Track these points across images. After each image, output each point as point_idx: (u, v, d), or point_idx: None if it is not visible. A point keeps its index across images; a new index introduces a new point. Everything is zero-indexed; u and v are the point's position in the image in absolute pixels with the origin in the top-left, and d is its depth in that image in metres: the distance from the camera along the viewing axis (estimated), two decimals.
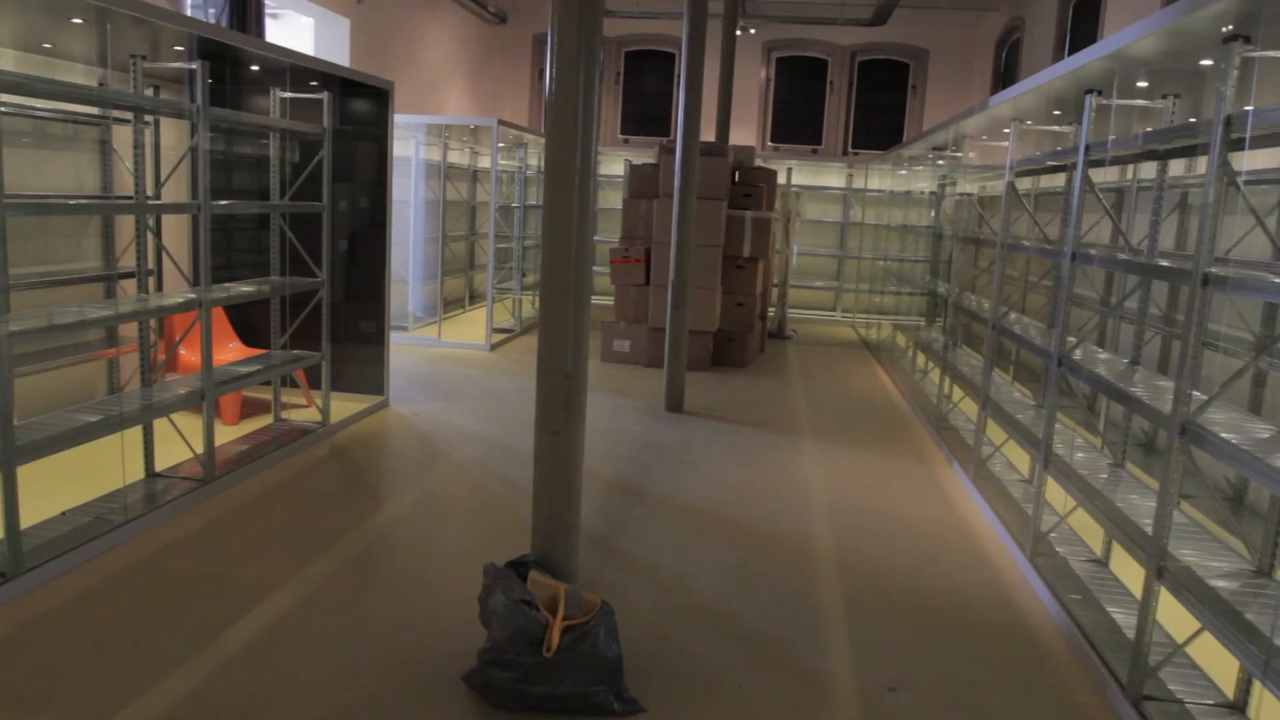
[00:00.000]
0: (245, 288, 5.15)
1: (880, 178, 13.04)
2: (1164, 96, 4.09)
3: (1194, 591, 2.88)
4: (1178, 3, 2.99)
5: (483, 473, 5.33)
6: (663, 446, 6.13)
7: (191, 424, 5.21)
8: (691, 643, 3.42)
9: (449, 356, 8.89)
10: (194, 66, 4.31)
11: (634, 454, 5.91)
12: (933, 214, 10.64)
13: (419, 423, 6.34)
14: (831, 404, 7.75)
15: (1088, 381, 3.97)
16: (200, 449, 4.70)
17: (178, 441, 4.85)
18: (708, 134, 14.06)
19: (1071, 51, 9.83)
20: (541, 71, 14.44)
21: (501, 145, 10.74)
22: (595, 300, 13.59)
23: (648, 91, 14.34)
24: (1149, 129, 4.28)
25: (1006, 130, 6.90)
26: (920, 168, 10.32)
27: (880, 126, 14.20)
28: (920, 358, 8.58)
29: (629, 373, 8.61)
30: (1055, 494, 4.34)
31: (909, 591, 4.04)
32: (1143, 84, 4.14)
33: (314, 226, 5.75)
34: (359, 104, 6.40)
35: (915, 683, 3.27)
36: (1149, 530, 3.33)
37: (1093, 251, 4.20)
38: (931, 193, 10.41)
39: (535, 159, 11.88)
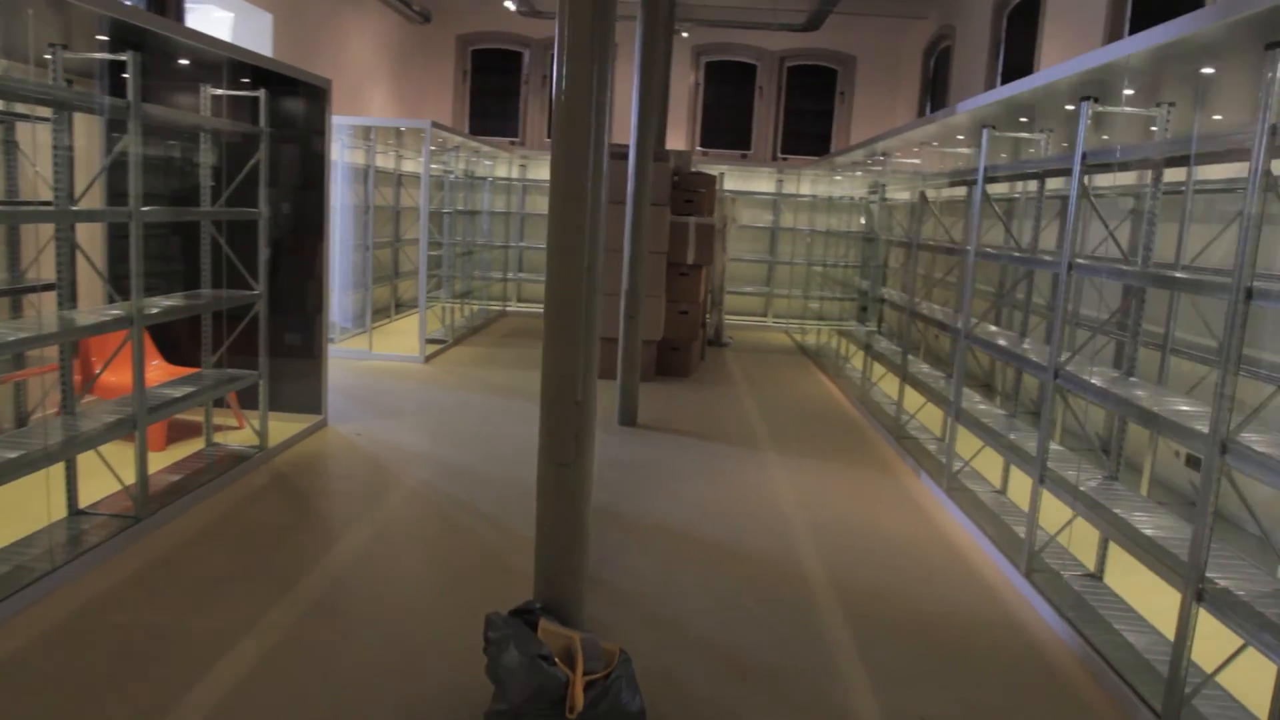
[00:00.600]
0: (175, 302, 4.70)
1: (812, 183, 13.03)
2: (1158, 105, 4.03)
3: (1237, 612, 2.76)
4: (1202, 10, 2.90)
5: (440, 498, 4.97)
6: (624, 463, 5.86)
7: (116, 452, 4.72)
8: (705, 685, 3.17)
9: (382, 370, 8.45)
10: (124, 57, 3.88)
11: (596, 472, 5.62)
12: (862, 220, 10.67)
13: (362, 444, 5.94)
14: (784, 413, 7.60)
15: (1097, 398, 3.86)
16: (129, 480, 4.24)
17: (102, 473, 4.37)
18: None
19: (1007, 60, 9.94)
20: (466, 73, 14.03)
21: (432, 149, 10.33)
22: (529, 309, 13.23)
23: None
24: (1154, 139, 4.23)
25: (961, 137, 6.87)
26: (858, 173, 10.30)
27: (809, 132, 14.20)
28: (866, 365, 8.50)
29: None
30: (1042, 507, 4.23)
31: (911, 616, 3.86)
32: (1129, 91, 4.08)
33: (247, 234, 5.31)
34: (294, 103, 5.97)
35: (943, 716, 3.08)
36: (1163, 547, 3.22)
37: (1081, 261, 4.10)
38: (864, 198, 10.40)
39: (464, 163, 11.48)
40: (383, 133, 9.85)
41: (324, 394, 6.29)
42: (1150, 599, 4.02)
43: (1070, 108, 4.66)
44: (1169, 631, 3.68)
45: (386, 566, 4.03)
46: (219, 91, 5.09)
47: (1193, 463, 5.04)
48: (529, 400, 7.48)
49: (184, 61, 4.98)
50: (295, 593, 3.69)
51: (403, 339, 10.12)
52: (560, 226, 2.90)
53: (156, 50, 4.41)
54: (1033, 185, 6.03)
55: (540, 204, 13.71)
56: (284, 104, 5.85)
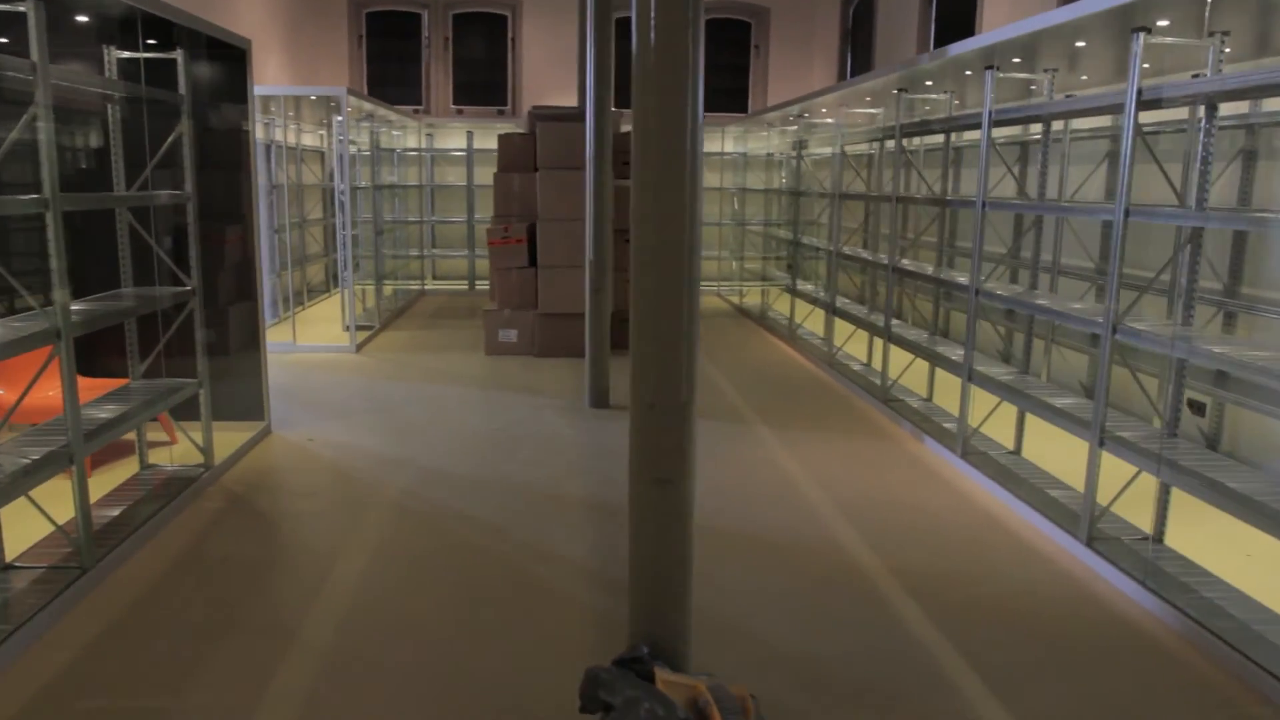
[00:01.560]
0: (98, 306, 3.96)
1: (735, 141, 12.64)
2: (1211, 34, 3.73)
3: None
4: None
5: (426, 509, 4.40)
6: (614, 450, 5.37)
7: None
8: (821, 714, 2.74)
9: (313, 363, 7.70)
10: (23, 8, 3.13)
11: (586, 463, 5.12)
12: (783, 177, 10.37)
13: (318, 450, 5.28)
14: (756, 383, 7.22)
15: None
16: (61, 517, 3.54)
17: (26, 514, 3.64)
18: (559, 99, 13.22)
19: (942, 10, 9.69)
20: (361, 37, 13.06)
21: (339, 119, 9.51)
22: (447, 286, 12.50)
23: (477, 58, 13.27)
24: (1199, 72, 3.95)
25: (929, 83, 6.55)
26: (794, 128, 9.94)
27: (724, 88, 13.79)
28: (829, 327, 8.18)
29: (523, 365, 7.75)
30: (1056, 461, 3.94)
31: (989, 601, 3.52)
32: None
33: (166, 221, 4.58)
34: (210, 68, 5.19)
35: (1083, 717, 2.74)
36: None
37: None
38: (801, 153, 10.08)
39: (367, 135, 10.65)
40: (283, 104, 8.97)
41: (266, 397, 5.59)
42: (1218, 557, 3.79)
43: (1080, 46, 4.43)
44: (1255, 591, 3.45)
45: (396, 602, 3.46)
46: (127, 54, 4.32)
47: (1197, 409, 4.87)
48: (479, 387, 6.88)
49: (81, 18, 4.20)
50: (296, 648, 3.09)
51: (325, 327, 9.33)
52: (658, 201, 2.38)
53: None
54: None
55: (451, 175, 12.94)
56: (198, 69, 5.07)
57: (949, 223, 7.32)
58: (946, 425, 5.77)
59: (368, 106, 9.15)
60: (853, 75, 12.27)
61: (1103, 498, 4.01)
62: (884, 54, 10.87)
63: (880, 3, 11.07)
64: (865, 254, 7.42)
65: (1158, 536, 4.00)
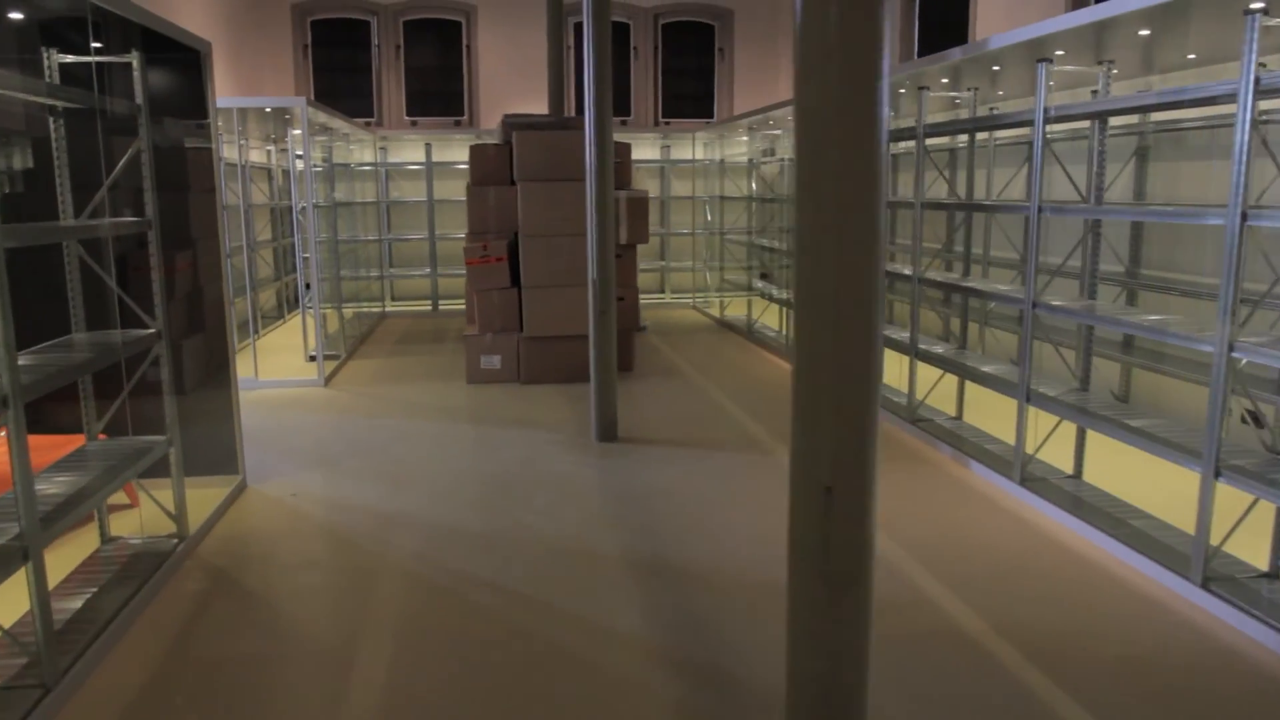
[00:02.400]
0: (49, 359, 3.32)
1: (706, 147, 12.19)
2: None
3: None
4: None
5: (451, 578, 3.81)
6: (635, 494, 4.82)
7: None
8: None
9: (280, 401, 7.02)
10: None
11: (611, 509, 4.57)
12: (754, 182, 9.95)
13: (305, 507, 4.65)
14: (763, 405, 6.73)
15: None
16: (9, 612, 2.90)
17: None
18: (519, 107, 12.64)
19: (926, 3, 9.34)
20: (306, 47, 12.33)
21: (296, 133, 8.83)
22: (409, 308, 11.81)
23: (431, 66, 12.64)
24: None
25: (953, 91, 6.14)
26: (776, 132, 9.51)
27: (690, 93, 13.34)
28: None
29: (511, 394, 7.16)
30: (1120, 484, 3.52)
31: (1123, 665, 3.06)
32: None
33: (124, 252, 3.93)
34: (166, 74, 4.54)
35: None
36: None
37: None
38: (762, 160, 9.66)
39: (320, 150, 9.96)
40: (233, 119, 8.27)
41: (240, 448, 4.94)
42: None
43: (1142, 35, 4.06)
44: None
45: (445, 711, 2.87)
46: (71, 59, 3.68)
47: (1256, 420, 4.50)
48: (469, 421, 6.27)
49: (15, 16, 3.55)
50: None
51: (286, 358, 8.62)
52: (838, 231, 1.86)
53: None
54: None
55: (408, 190, 12.28)
56: (154, 76, 4.42)
57: (969, 228, 6.92)
58: (989, 447, 5.34)
59: (335, 122, 8.49)
60: None
61: (1184, 520, 3.59)
62: None
63: None
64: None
65: (1274, 571, 3.59)
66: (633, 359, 8.03)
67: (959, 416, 6.02)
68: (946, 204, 5.87)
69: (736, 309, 11.04)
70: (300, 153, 7.72)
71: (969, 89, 5.93)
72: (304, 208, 8.04)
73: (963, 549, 4.06)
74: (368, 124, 12.47)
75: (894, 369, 6.91)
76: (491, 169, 7.96)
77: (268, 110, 7.50)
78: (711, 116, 13.31)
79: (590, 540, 4.18)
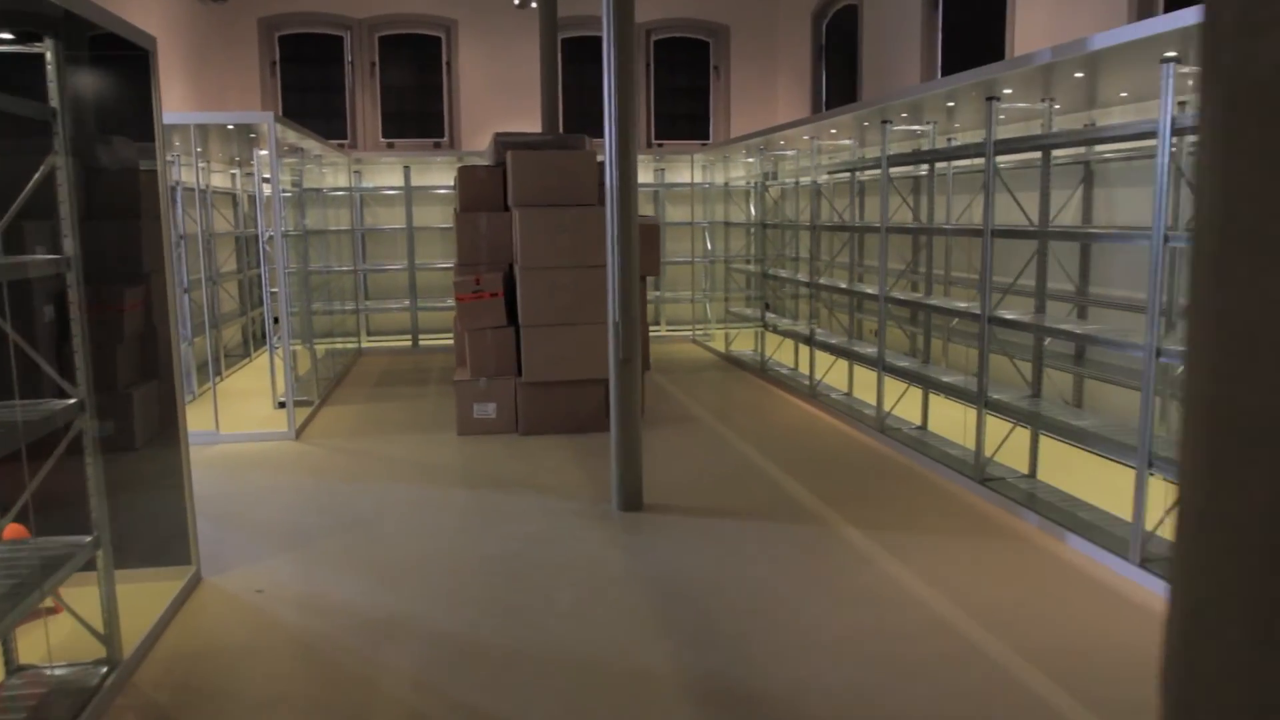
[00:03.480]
0: None
1: (704, 170, 11.45)
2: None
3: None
4: None
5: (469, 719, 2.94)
6: (680, 585, 3.98)
7: None
8: None
9: (245, 459, 6.11)
10: None
11: (655, 608, 3.73)
12: (756, 206, 9.21)
13: (274, 608, 3.76)
14: (800, 460, 5.92)
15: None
16: None
17: None
18: (503, 128, 11.86)
19: (950, 18, 8.66)
20: (274, 64, 11.48)
21: (264, 154, 7.97)
22: (387, 344, 10.91)
23: (408, 85, 11.83)
24: None
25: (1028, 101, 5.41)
26: (791, 152, 8.78)
27: (684, 112, 12.63)
28: (881, 388, 6.98)
29: (509, 449, 6.30)
30: None
31: None
32: None
33: (24, 294, 3.07)
34: (100, 77, 3.68)
35: None
36: None
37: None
38: (764, 183, 8.94)
39: (289, 173, 9.10)
40: (192, 137, 7.39)
41: (193, 535, 4.05)
42: None
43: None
44: None
45: None
46: None
47: None
48: (465, 485, 5.40)
49: None
50: None
51: (251, 406, 7.70)
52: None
53: None
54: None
55: (384, 217, 11.41)
56: (81, 76, 3.56)
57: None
58: (1085, 516, 4.56)
59: (295, 137, 7.63)
60: (830, 96, 11.24)
61: None
62: (875, 73, 9.82)
63: (867, 15, 10.02)
64: (898, 294, 6.25)
65: None
66: (643, 404, 7.20)
67: (1032, 474, 5.24)
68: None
69: (743, 343, 10.25)
70: (268, 175, 6.86)
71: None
72: (272, 236, 7.17)
73: (1099, 662, 3.25)
74: (341, 146, 11.61)
75: (945, 414, 6.16)
76: (482, 193, 7.14)
77: (230, 127, 6.64)
78: (707, 138, 12.59)
79: (634, 656, 3.33)
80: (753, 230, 10.32)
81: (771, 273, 8.73)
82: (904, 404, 6.62)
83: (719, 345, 10.47)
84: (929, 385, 5.83)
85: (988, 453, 5.22)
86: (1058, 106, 5.42)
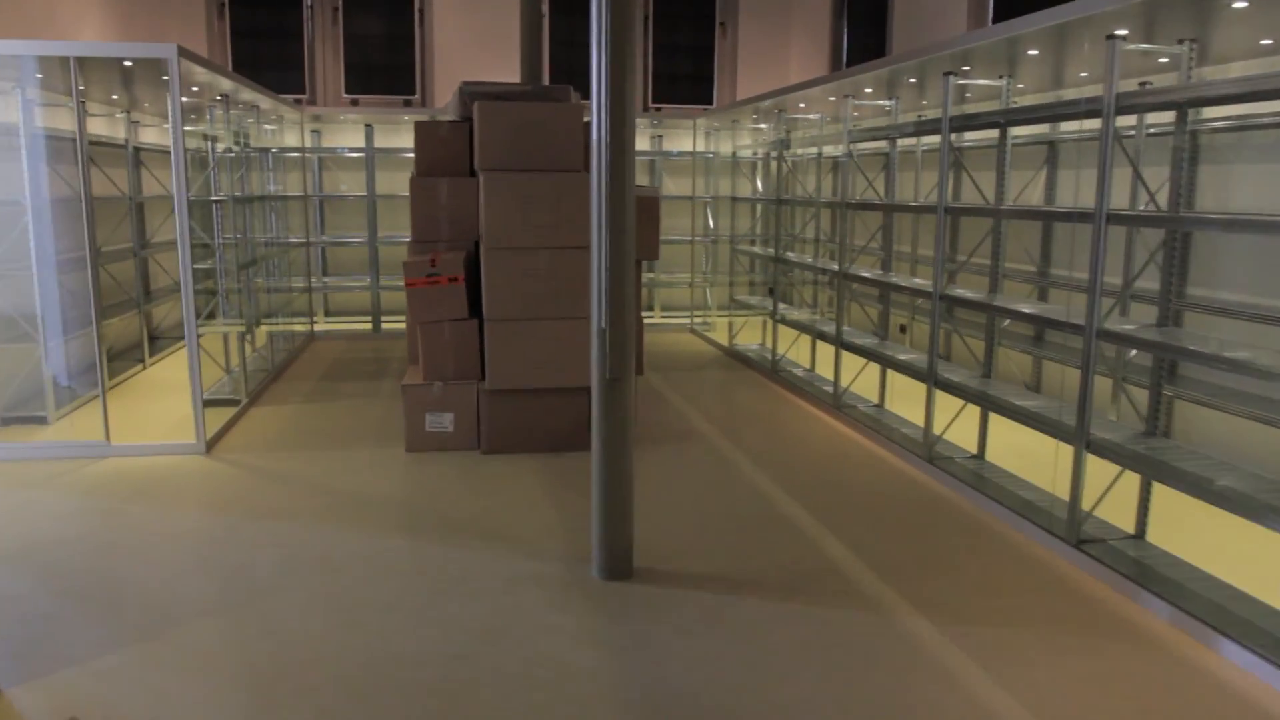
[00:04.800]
0: None
1: (708, 139, 10.14)
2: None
3: None
4: None
5: None
6: (686, 713, 2.75)
7: None
8: None
9: (130, 482, 4.85)
10: None
11: None
12: (762, 181, 7.89)
13: None
14: (836, 504, 4.69)
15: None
16: None
17: None
18: (480, 75, 10.52)
19: None
20: (223, 5, 10.07)
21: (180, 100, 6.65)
22: (345, 326, 9.59)
23: (376, 34, 10.46)
24: None
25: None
26: (814, 116, 7.50)
27: (685, 73, 11.28)
28: (930, 401, 5.75)
29: (467, 473, 5.06)
30: None
31: None
32: None
33: None
34: None
35: None
36: None
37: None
38: (779, 153, 7.67)
39: (232, 125, 7.77)
40: (100, 81, 6.06)
41: None
42: None
43: None
44: None
45: None
46: None
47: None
48: (405, 531, 4.14)
49: None
50: None
51: (162, 407, 6.43)
52: None
53: None
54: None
55: (343, 182, 10.08)
56: None
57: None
58: (1237, 611, 3.34)
59: (210, 79, 6.28)
60: (851, 55, 9.93)
61: None
62: (909, 26, 8.52)
63: None
64: (922, 282, 5.00)
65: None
66: (635, 414, 5.95)
67: (1141, 534, 4.02)
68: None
69: (749, 335, 9.01)
70: (176, 126, 5.55)
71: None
72: (183, 200, 5.87)
73: None
74: (297, 102, 10.25)
75: (1010, 440, 4.96)
76: (444, 154, 5.85)
77: (128, 63, 5.31)
78: (710, 102, 11.27)
79: None
80: (761, 207, 9.05)
81: (785, 257, 7.47)
82: (958, 425, 5.39)
83: (721, 337, 9.22)
84: (992, 406, 4.61)
85: (1086, 503, 3.99)
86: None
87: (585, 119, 6.45)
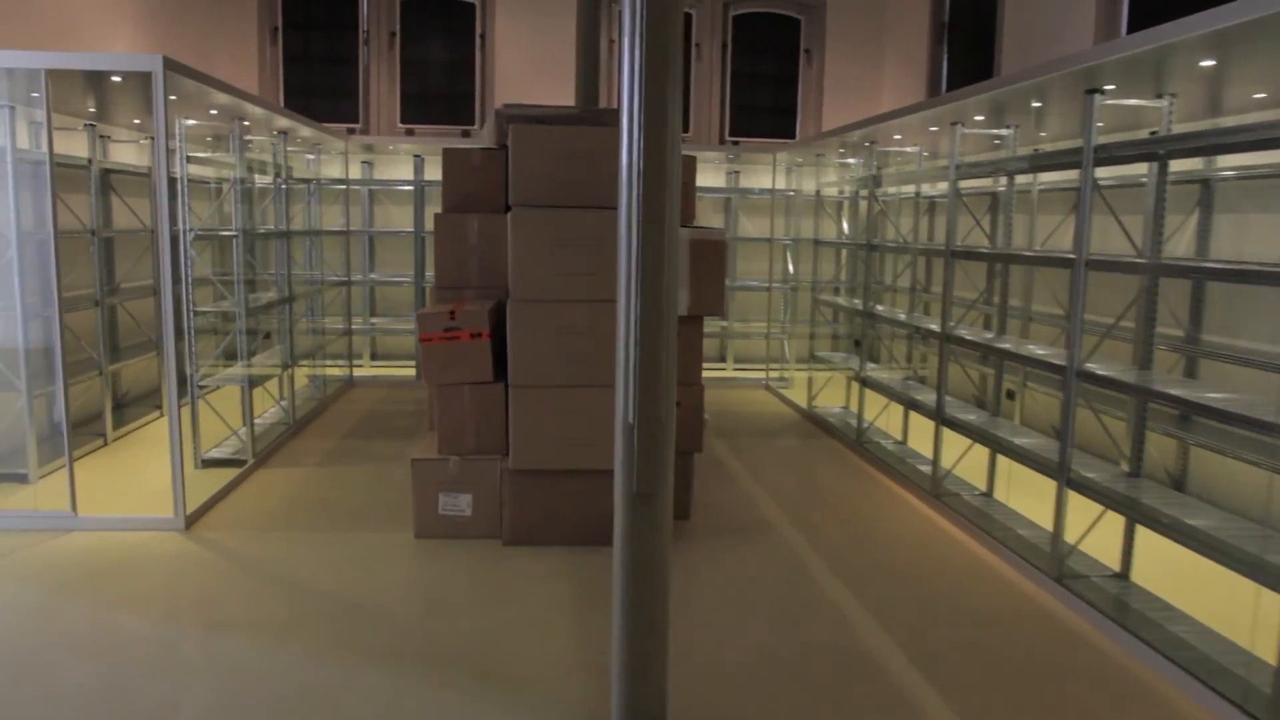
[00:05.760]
0: None
1: (789, 175, 9.20)
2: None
3: None
4: None
5: None
6: None
7: None
8: None
9: (84, 563, 4.07)
10: None
11: None
12: (847, 222, 6.86)
13: None
14: (934, 639, 3.64)
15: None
16: None
17: None
18: (542, 103, 9.79)
19: None
20: (276, 29, 9.56)
21: (193, 123, 6.00)
22: (388, 371, 8.85)
23: (435, 60, 9.83)
24: None
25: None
26: (911, 148, 6.52)
27: (766, 104, 10.38)
28: (987, 479, 4.68)
29: (484, 572, 4.16)
30: None
31: None
32: None
33: None
34: None
35: None
36: None
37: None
38: (867, 191, 6.66)
39: (258, 153, 7.13)
40: (120, 102, 5.42)
41: None
42: None
43: None
44: None
45: None
46: None
47: None
48: (389, 661, 3.22)
49: None
50: None
51: (158, 468, 5.69)
52: None
53: None
54: None
55: (396, 218, 9.42)
56: None
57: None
58: None
59: (232, 103, 5.58)
60: (951, 84, 8.90)
61: None
62: (1021, 46, 7.47)
63: None
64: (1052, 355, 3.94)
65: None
66: (690, 499, 4.98)
67: None
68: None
69: (831, 396, 7.98)
70: (160, 147, 4.85)
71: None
72: (197, 234, 5.17)
73: None
74: (350, 130, 9.65)
75: (1163, 554, 3.87)
76: (476, 186, 5.03)
77: (116, 79, 4.62)
78: (793, 136, 10.34)
79: None
80: (847, 252, 8.05)
81: (874, 310, 6.46)
82: (1096, 532, 4.29)
83: (799, 396, 8.20)
84: (1141, 517, 3.52)
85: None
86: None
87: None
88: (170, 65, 4.35)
